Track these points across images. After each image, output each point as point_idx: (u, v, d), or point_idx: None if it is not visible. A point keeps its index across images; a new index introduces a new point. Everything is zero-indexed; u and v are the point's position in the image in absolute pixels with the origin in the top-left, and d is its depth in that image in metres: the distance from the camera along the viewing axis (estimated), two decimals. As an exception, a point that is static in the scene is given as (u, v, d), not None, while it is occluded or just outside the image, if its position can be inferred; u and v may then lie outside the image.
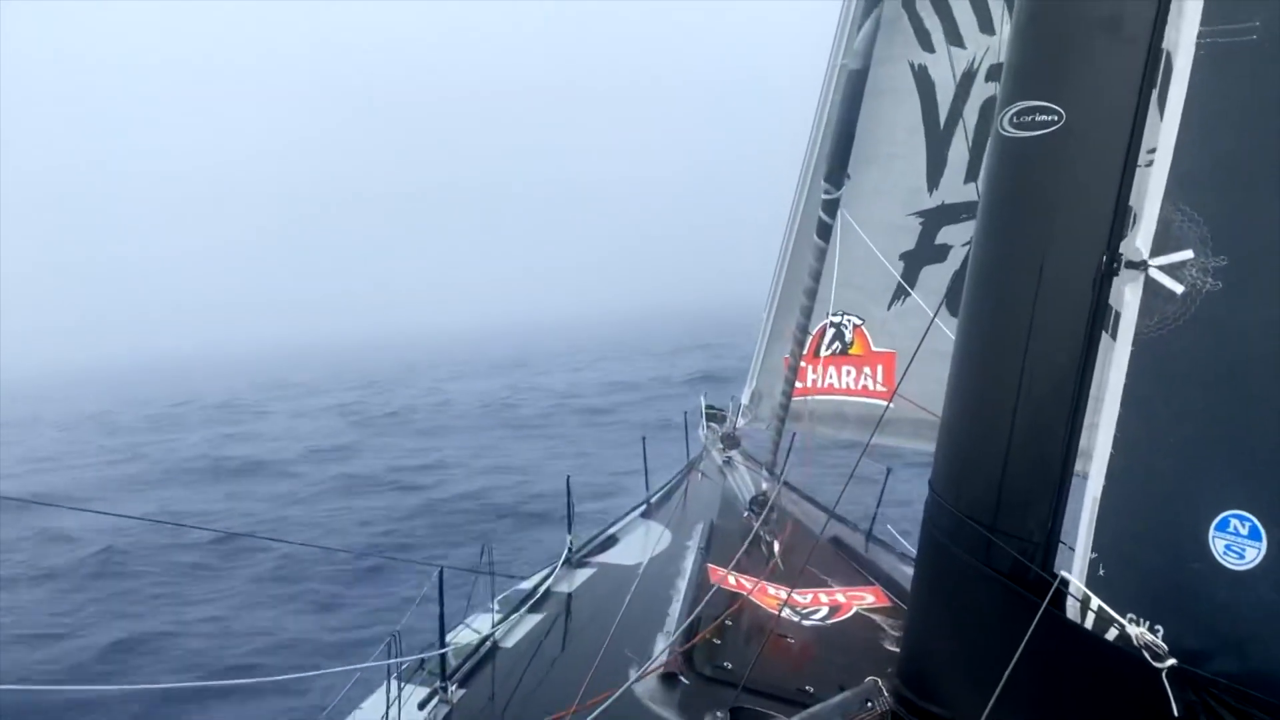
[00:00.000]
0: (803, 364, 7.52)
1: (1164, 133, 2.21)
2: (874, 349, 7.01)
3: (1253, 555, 2.02)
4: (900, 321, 6.95)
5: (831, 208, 6.09)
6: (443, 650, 4.40)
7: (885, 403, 6.89)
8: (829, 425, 7.45)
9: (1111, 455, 2.32)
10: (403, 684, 4.31)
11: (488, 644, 4.90)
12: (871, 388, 7.18)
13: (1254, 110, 2.09)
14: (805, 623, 4.70)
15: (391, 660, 3.91)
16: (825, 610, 4.90)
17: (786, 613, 4.74)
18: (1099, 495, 2.34)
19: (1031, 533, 2.44)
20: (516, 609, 5.35)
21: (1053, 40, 2.46)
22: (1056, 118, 2.37)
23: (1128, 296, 2.29)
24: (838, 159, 5.93)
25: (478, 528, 16.10)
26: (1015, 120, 2.47)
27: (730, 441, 8.86)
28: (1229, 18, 2.09)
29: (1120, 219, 2.30)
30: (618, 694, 3.24)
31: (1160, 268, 2.21)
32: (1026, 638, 2.25)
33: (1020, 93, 2.48)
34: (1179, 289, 2.17)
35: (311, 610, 13.06)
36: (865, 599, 5.07)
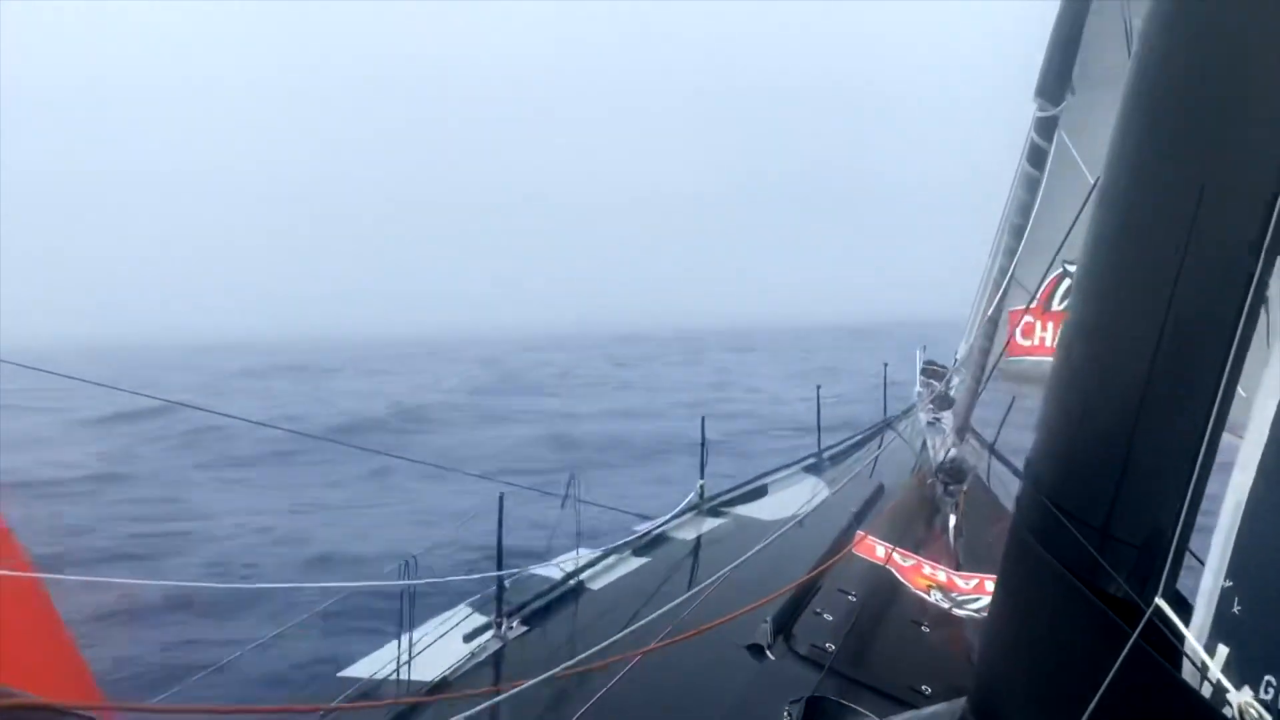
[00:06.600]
0: (1031, 319, 6.60)
1: None
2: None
3: None
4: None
5: (1046, 128, 5.09)
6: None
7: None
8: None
9: (1265, 452, 1.68)
10: (471, 613, 4.26)
11: (571, 581, 4.70)
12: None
13: None
14: (957, 611, 4.11)
15: (403, 581, 3.78)
16: (987, 600, 4.26)
17: (937, 597, 4.18)
18: (1243, 500, 1.71)
19: (1144, 543, 1.84)
20: (617, 551, 5.15)
21: None
22: None
23: None
24: (1056, 67, 4.90)
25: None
26: None
27: (942, 403, 8.08)
28: None
29: None
30: (647, 650, 2.94)
31: None
32: (1111, 674, 1.71)
33: None
34: None
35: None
36: None
